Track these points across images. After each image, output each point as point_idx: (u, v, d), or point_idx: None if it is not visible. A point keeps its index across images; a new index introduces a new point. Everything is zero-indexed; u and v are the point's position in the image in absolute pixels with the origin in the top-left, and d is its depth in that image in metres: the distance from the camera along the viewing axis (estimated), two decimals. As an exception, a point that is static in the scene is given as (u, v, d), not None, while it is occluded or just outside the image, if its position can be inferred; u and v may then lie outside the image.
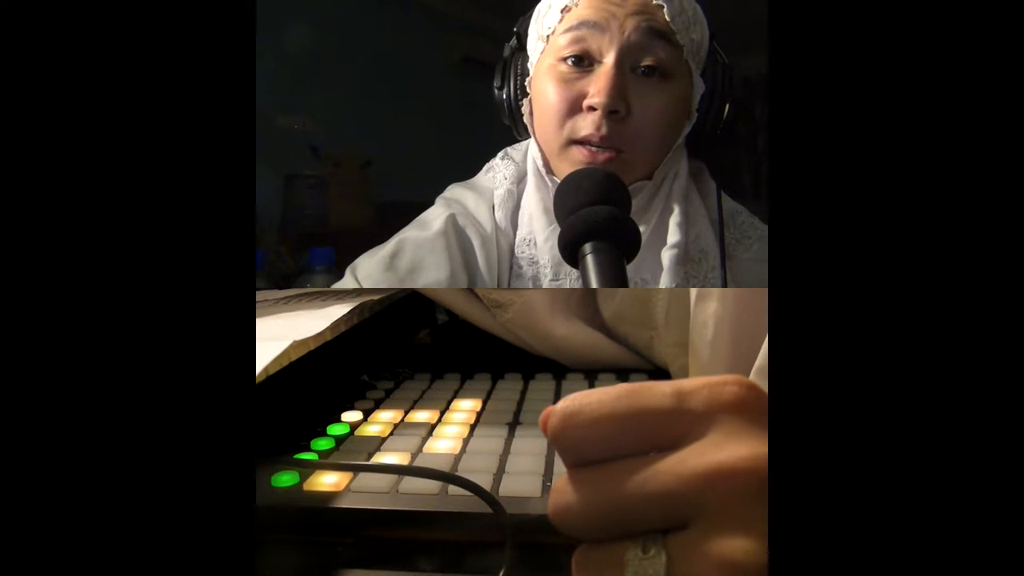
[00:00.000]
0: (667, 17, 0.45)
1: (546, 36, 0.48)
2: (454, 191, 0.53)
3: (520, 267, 0.50)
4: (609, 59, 0.45)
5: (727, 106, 0.49)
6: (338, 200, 1.05)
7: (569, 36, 0.46)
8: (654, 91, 0.46)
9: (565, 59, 0.46)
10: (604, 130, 0.44)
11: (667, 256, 0.46)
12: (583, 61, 0.46)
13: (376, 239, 0.50)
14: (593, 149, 0.45)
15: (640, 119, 0.45)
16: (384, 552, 0.35)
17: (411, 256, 0.48)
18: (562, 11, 0.47)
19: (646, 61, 0.45)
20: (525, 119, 0.50)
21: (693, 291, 0.49)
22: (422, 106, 1.07)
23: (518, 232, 0.50)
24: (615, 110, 0.44)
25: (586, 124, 0.45)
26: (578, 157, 0.45)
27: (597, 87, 0.44)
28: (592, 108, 0.45)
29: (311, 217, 1.03)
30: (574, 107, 0.45)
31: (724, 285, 0.47)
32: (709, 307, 0.48)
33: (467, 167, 0.56)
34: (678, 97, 0.47)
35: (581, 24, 0.46)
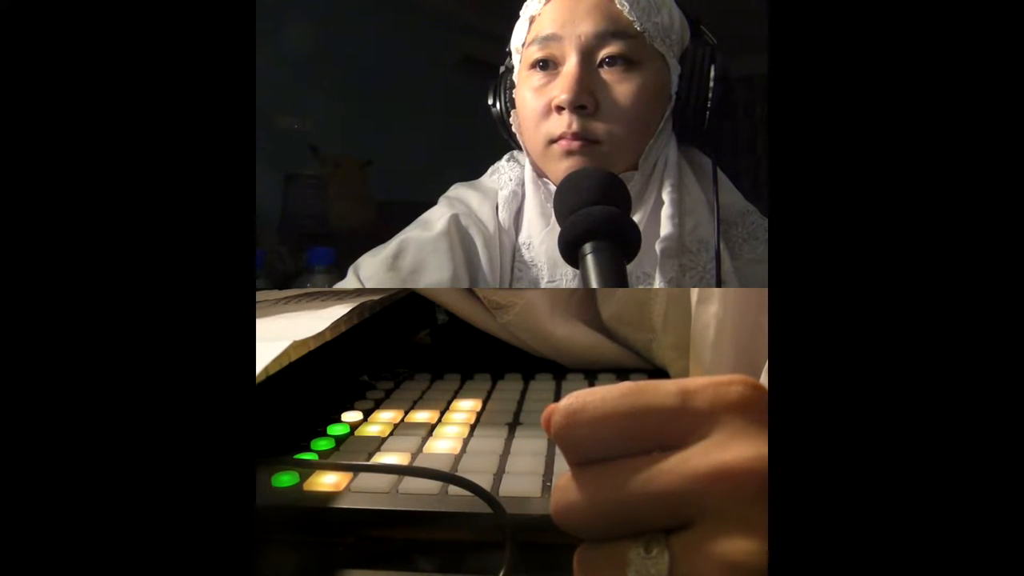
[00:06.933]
0: (620, 8, 0.46)
1: (520, 47, 0.49)
2: (457, 190, 0.53)
3: (521, 269, 0.50)
4: (571, 59, 0.46)
5: (710, 87, 0.48)
6: (338, 200, 1.05)
7: (535, 45, 0.47)
8: (621, 80, 0.46)
9: (534, 66, 0.48)
10: (575, 126, 0.45)
11: (658, 249, 0.46)
12: (549, 65, 0.47)
13: (376, 239, 0.50)
14: (568, 140, 0.46)
15: (610, 110, 0.46)
16: (384, 552, 0.35)
17: (414, 256, 0.48)
18: (530, 21, 0.49)
19: (608, 53, 0.46)
20: (514, 128, 0.50)
21: (694, 293, 0.49)
22: (422, 106, 1.07)
23: (520, 234, 0.50)
24: (581, 105, 0.45)
25: (559, 123, 0.46)
26: (557, 152, 0.47)
27: (562, 87, 0.46)
28: (560, 107, 0.46)
29: (311, 217, 1.03)
30: (546, 110, 0.47)
31: (718, 276, 0.46)
32: (710, 309, 0.48)
33: (467, 167, 0.56)
34: (649, 82, 0.47)
35: (543, 32, 0.47)
